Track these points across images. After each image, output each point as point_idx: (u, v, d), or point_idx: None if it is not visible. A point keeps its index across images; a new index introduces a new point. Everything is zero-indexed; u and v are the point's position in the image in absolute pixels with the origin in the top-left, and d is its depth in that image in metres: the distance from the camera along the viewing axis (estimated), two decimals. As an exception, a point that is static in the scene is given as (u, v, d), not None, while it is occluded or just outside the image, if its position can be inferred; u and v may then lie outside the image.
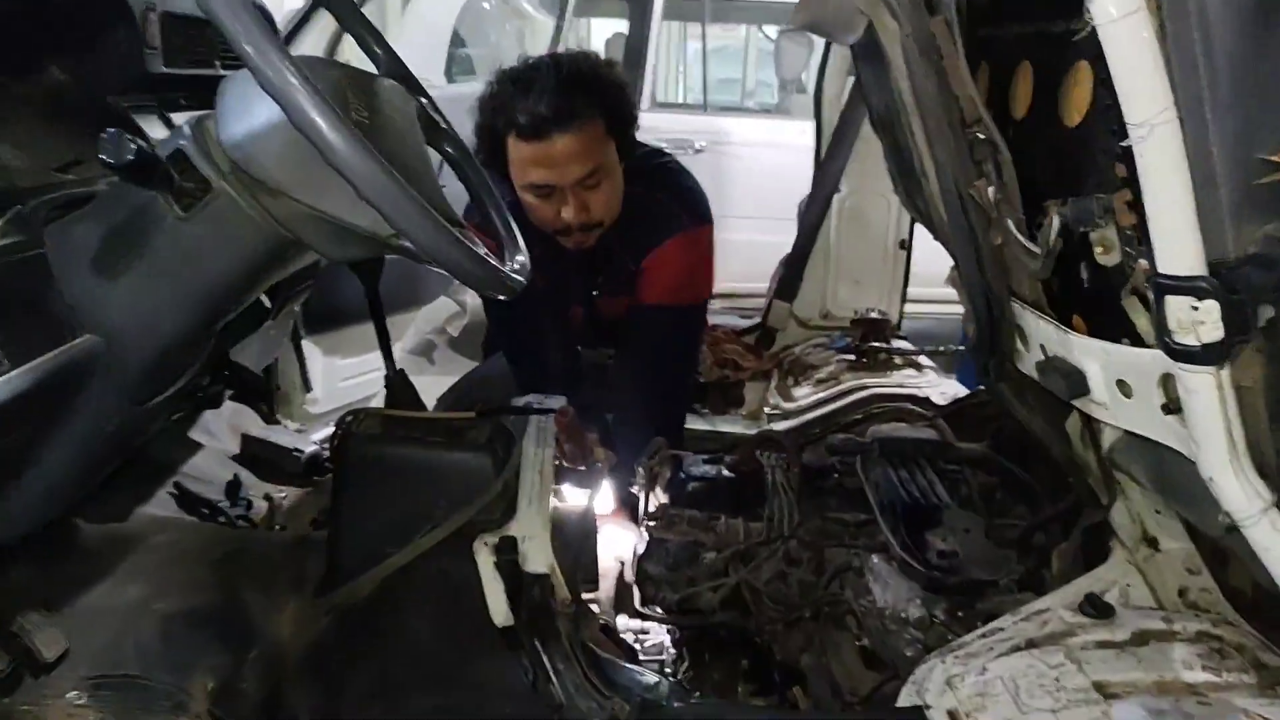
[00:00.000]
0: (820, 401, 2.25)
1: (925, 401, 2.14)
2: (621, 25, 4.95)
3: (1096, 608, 1.29)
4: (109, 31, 1.21)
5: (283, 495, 2.15)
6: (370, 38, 1.16)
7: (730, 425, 2.39)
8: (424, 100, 1.17)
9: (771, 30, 5.95)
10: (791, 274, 2.61)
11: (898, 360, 2.40)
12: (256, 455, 2.23)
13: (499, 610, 1.29)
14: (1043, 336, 0.96)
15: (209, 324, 0.94)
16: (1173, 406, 0.75)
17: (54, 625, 1.36)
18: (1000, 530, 1.62)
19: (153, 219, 0.86)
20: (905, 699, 1.25)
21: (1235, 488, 0.71)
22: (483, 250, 0.88)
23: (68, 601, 1.51)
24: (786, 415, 2.29)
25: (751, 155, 5.19)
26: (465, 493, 1.36)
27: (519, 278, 0.99)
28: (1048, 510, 1.61)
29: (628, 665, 1.28)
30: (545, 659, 1.23)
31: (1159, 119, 0.63)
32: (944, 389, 2.27)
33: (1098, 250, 0.83)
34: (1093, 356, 0.85)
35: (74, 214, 0.90)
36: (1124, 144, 0.64)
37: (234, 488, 2.05)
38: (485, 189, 1.13)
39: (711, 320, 2.60)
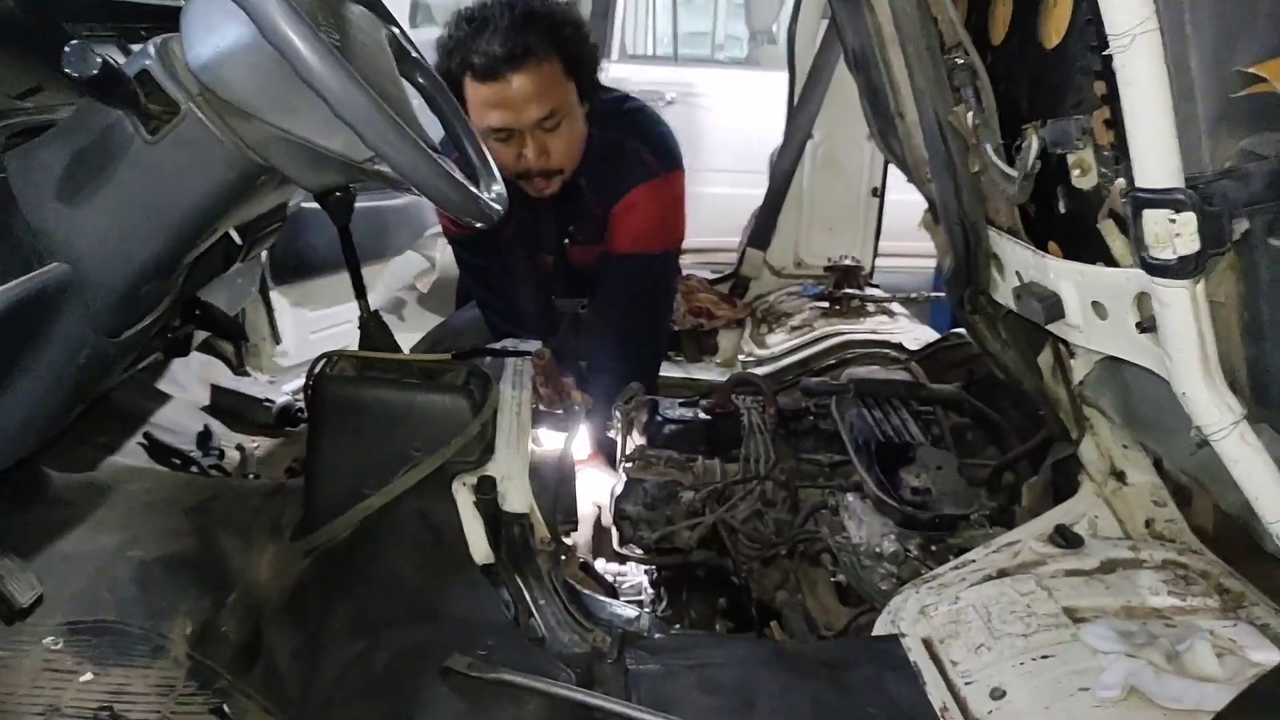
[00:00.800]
0: (794, 348, 2.26)
1: (898, 346, 2.16)
2: (589, -28, 4.85)
3: (1066, 538, 1.33)
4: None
5: (255, 445, 2.14)
6: (338, -36, 1.12)
7: (705, 372, 2.40)
8: (394, 29, 1.14)
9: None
10: (765, 222, 2.61)
11: (870, 307, 2.42)
12: (226, 406, 2.21)
13: (479, 548, 1.29)
14: (1019, 263, 0.96)
15: (180, 253, 0.92)
16: (1147, 325, 0.76)
17: (27, 572, 1.34)
18: (972, 469, 1.65)
19: (119, 143, 0.83)
20: (880, 628, 1.28)
21: (1207, 401, 0.73)
22: (460, 177, 0.87)
23: (40, 549, 1.49)
24: (760, 362, 2.30)
25: (722, 108, 5.15)
26: (442, 434, 1.36)
27: (496, 205, 0.97)
28: (1018, 448, 1.64)
29: (608, 600, 1.30)
30: (526, 594, 1.23)
31: (1140, 29, 0.63)
32: (916, 334, 2.29)
33: (1075, 173, 0.83)
34: (1069, 279, 0.86)
35: (37, 139, 0.87)
36: (1105, 54, 0.64)
37: (205, 438, 2.04)
38: (459, 118, 1.11)
39: (685, 273, 2.60)
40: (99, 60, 0.73)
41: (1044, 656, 1.10)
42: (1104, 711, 1.00)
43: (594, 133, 1.90)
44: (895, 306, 2.43)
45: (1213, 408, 0.73)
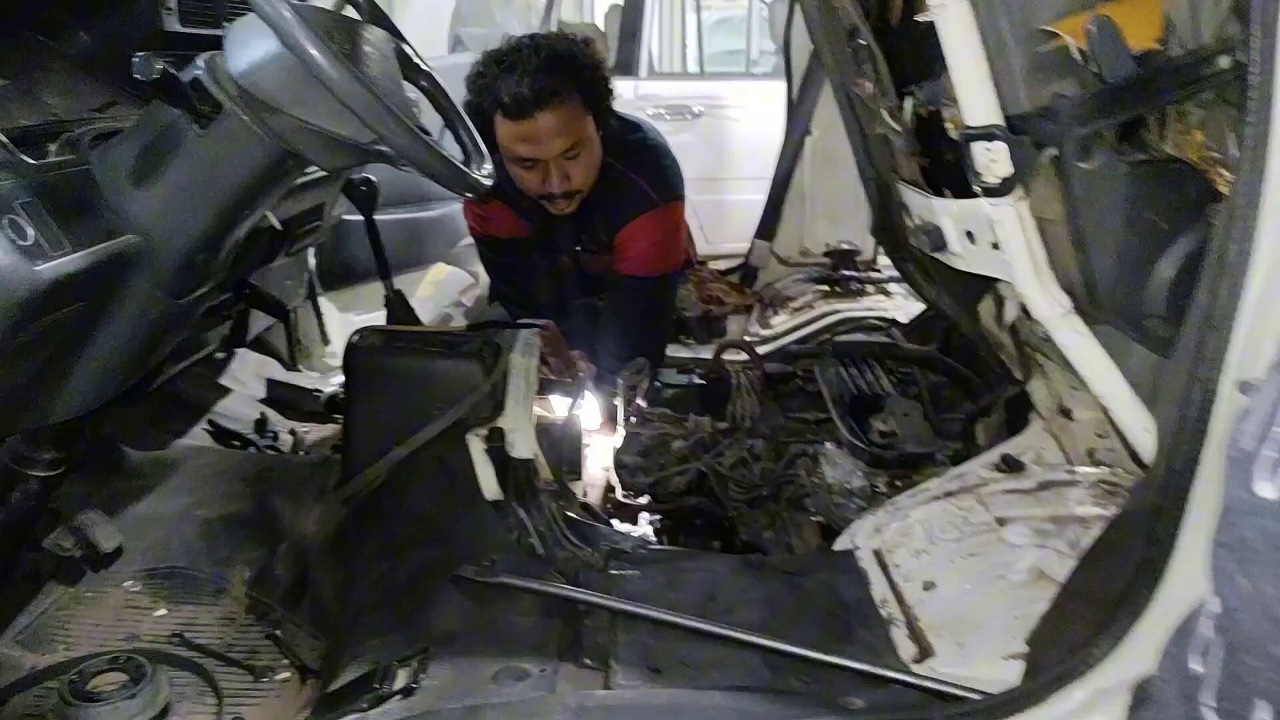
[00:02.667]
0: (795, 327, 2.43)
1: (890, 320, 2.32)
2: (619, -2, 5.08)
3: (1009, 464, 1.48)
4: (131, -4, 1.41)
5: (306, 430, 2.37)
6: (353, -9, 1.35)
7: (711, 352, 2.57)
8: (403, 45, 1.36)
9: (769, -1, 6.05)
10: (770, 214, 2.79)
11: (869, 288, 2.58)
12: (280, 397, 2.45)
13: (489, 487, 1.49)
14: (918, 207, 1.13)
15: (226, 227, 1.14)
16: (998, 244, 0.93)
17: (109, 525, 1.58)
18: (948, 422, 1.81)
19: (176, 136, 1.05)
20: (840, 545, 1.44)
21: (1041, 298, 0.89)
22: (448, 154, 1.07)
23: (119, 512, 1.73)
24: (765, 341, 2.47)
25: (748, 118, 5.31)
26: (458, 395, 1.56)
27: (484, 180, 1.18)
28: (985, 399, 1.79)
29: (601, 527, 1.48)
30: (528, 522, 1.42)
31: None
32: (910, 311, 2.44)
33: (949, 126, 1.01)
34: (946, 214, 1.03)
35: (112, 139, 1.10)
36: (924, 18, 0.81)
37: (262, 424, 2.28)
38: (455, 114, 1.32)
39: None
40: (160, 67, 0.95)
41: (971, 555, 1.26)
42: (1014, 591, 1.16)
43: (605, 160, 2.11)
44: (892, 286, 2.58)
45: (1045, 304, 0.89)
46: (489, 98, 1.95)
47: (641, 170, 2.15)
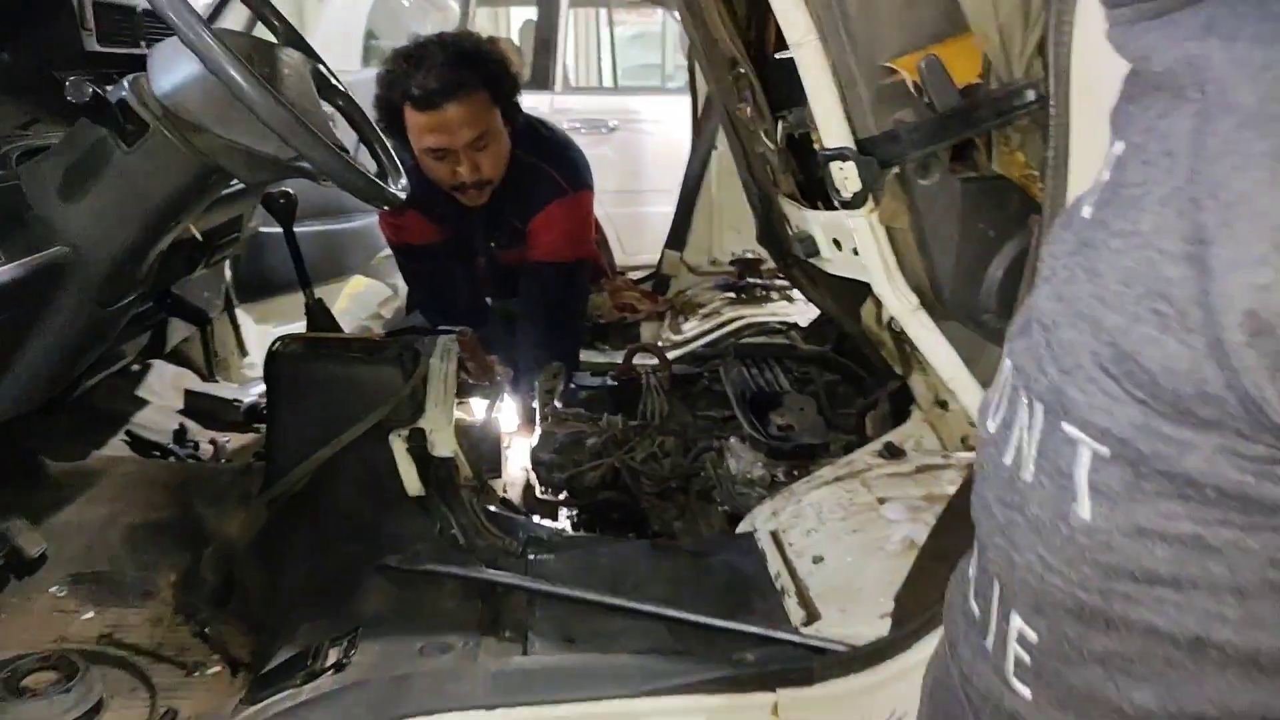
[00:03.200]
0: (703, 332, 2.57)
1: (792, 325, 2.47)
2: (532, 12, 5.18)
3: (891, 451, 1.62)
4: (50, 17, 1.45)
5: (226, 439, 2.40)
6: (271, 15, 1.42)
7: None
8: (319, 65, 1.44)
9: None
10: (679, 225, 2.92)
11: (774, 295, 2.73)
12: (199, 407, 2.47)
13: (412, 484, 1.57)
14: (795, 218, 1.27)
15: (153, 239, 1.20)
16: (857, 250, 1.07)
17: (34, 532, 1.61)
18: (842, 416, 1.95)
19: (103, 155, 1.12)
20: (741, 529, 1.57)
21: (893, 297, 1.03)
22: (364, 169, 1.16)
23: (42, 520, 1.75)
24: (675, 345, 2.59)
25: (663, 132, 5.46)
26: (379, 398, 1.63)
27: (398, 193, 1.27)
28: (875, 394, 1.95)
29: (519, 518, 1.58)
30: (450, 515, 1.51)
31: (805, 39, 0.94)
32: (811, 315, 2.59)
33: (817, 147, 1.14)
34: (817, 224, 1.16)
35: (39, 155, 1.16)
36: (783, 55, 0.94)
37: (181, 434, 2.30)
38: (370, 130, 1.41)
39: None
40: (91, 90, 1.02)
41: (855, 531, 1.40)
42: (889, 560, 1.29)
43: (515, 153, 2.21)
44: (795, 293, 2.74)
45: (896, 301, 1.03)
46: (398, 91, 2.04)
47: (550, 160, 2.27)
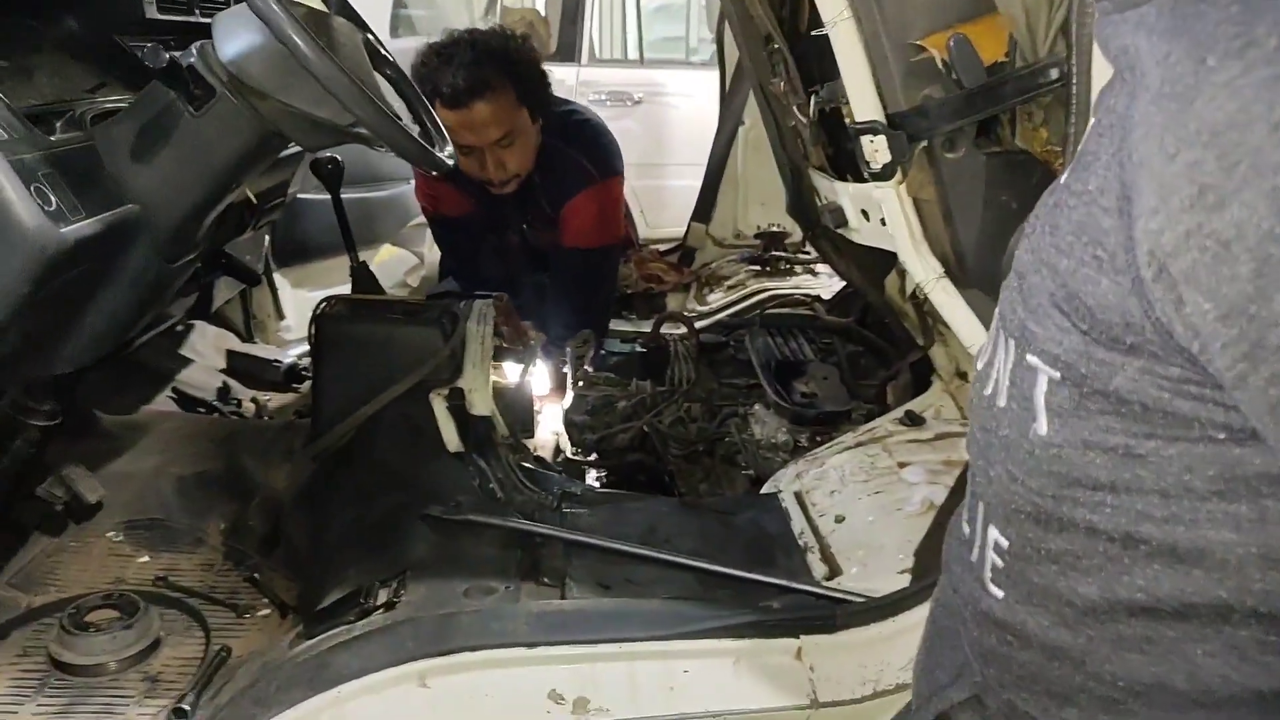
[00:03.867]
0: (728, 304, 2.62)
1: (815, 297, 2.52)
2: (560, -15, 5.18)
3: (912, 419, 1.68)
4: (114, -17, 1.52)
5: (267, 398, 2.49)
6: (325, -14, 1.48)
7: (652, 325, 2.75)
8: (369, 35, 1.50)
9: (703, -14, 6.22)
10: (705, 199, 2.97)
11: (797, 269, 2.78)
12: (241, 367, 2.56)
13: (451, 440, 1.64)
14: (825, 190, 1.32)
15: (216, 198, 1.27)
16: (885, 221, 1.12)
17: (91, 478, 1.70)
18: (862, 387, 2.01)
19: (172, 118, 1.19)
20: (765, 490, 1.63)
21: (918, 265, 1.08)
22: (417, 132, 1.22)
23: (97, 470, 1.84)
24: (700, 317, 2.64)
25: (687, 105, 5.47)
26: (420, 359, 1.70)
27: (446, 161, 1.33)
28: (896, 365, 2.00)
29: (553, 474, 1.65)
30: (488, 470, 1.58)
31: (840, 17, 0.99)
32: (835, 288, 2.64)
33: (848, 120, 1.19)
34: (845, 195, 1.21)
35: (112, 118, 1.23)
36: (819, 32, 0.99)
37: (225, 392, 2.39)
38: (418, 99, 1.47)
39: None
40: (167, 56, 1.09)
41: (876, 493, 1.46)
42: (909, 520, 1.36)
43: (546, 141, 2.26)
44: (819, 267, 2.79)
45: (921, 270, 1.08)
46: (429, 86, 2.09)
47: (582, 149, 2.32)
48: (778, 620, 1.14)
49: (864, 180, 1.15)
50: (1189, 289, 0.44)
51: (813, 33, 1.06)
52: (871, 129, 1.01)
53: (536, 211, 2.40)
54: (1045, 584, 0.58)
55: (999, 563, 0.61)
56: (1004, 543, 0.60)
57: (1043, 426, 0.54)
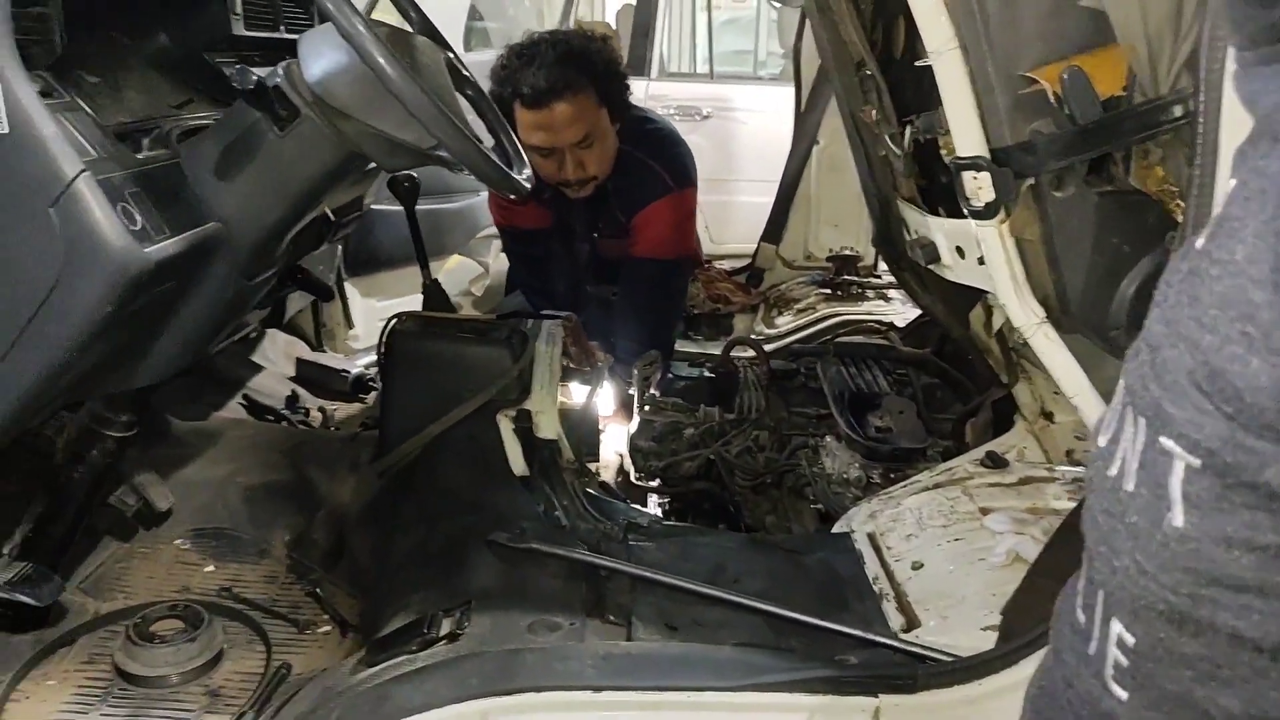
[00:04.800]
0: (799, 327, 2.56)
1: (888, 324, 2.45)
2: (632, -2, 5.19)
3: (994, 460, 1.61)
4: (203, 2, 1.53)
5: (334, 408, 2.50)
6: (407, 5, 1.48)
7: (719, 348, 2.70)
8: (450, 54, 1.49)
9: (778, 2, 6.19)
10: (776, 219, 2.92)
11: (869, 293, 2.71)
12: (309, 376, 2.58)
13: (517, 463, 1.62)
14: (916, 224, 1.26)
15: (297, 217, 1.27)
16: (983, 260, 1.06)
17: (162, 486, 1.71)
18: (939, 421, 1.94)
19: (257, 137, 1.19)
20: (837, 529, 1.57)
21: (1018, 309, 1.02)
22: (495, 153, 1.21)
23: (168, 476, 1.86)
24: (769, 340, 2.59)
25: (756, 121, 5.43)
26: (488, 378, 1.69)
27: (525, 184, 1.31)
28: (975, 401, 1.92)
29: (618, 503, 1.61)
30: (553, 496, 1.55)
31: (945, 47, 0.94)
32: (908, 316, 2.57)
33: (943, 152, 1.14)
34: (940, 231, 1.16)
35: (197, 135, 1.24)
36: (922, 63, 0.94)
37: (293, 400, 2.41)
38: (499, 122, 1.46)
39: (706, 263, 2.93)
40: (254, 77, 1.08)
41: (956, 539, 1.39)
42: (992, 572, 1.29)
43: (623, 148, 2.24)
44: (891, 292, 2.72)
45: (1022, 314, 1.02)
46: (509, 88, 2.09)
47: (658, 157, 2.29)
48: (855, 677, 1.09)
49: (960, 216, 1.09)
50: None
51: (916, 63, 1.01)
52: (974, 165, 0.96)
53: (609, 220, 2.37)
54: (1179, 691, 0.52)
55: (1124, 661, 0.55)
56: (1130, 640, 0.55)
57: (1178, 518, 0.50)
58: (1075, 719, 0.61)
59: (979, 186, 0.97)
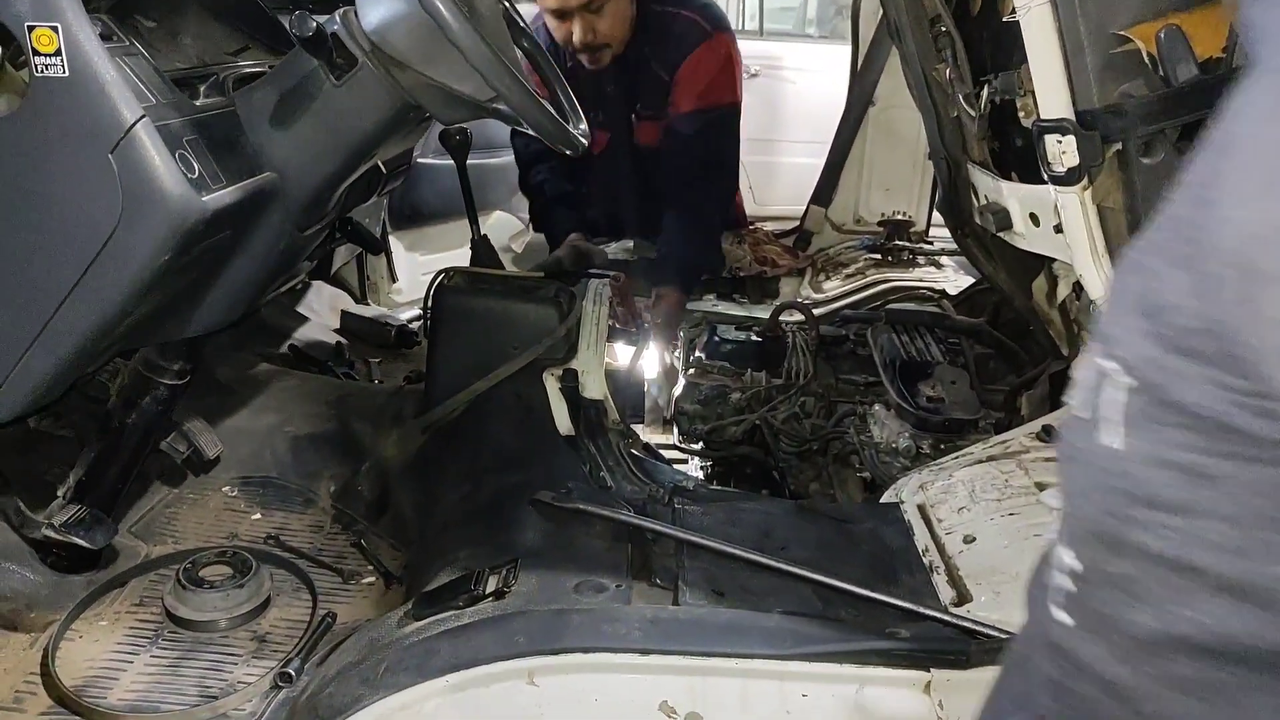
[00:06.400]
0: (846, 292, 2.51)
1: (940, 291, 2.39)
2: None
3: (1050, 434, 1.56)
4: (259, -53, 1.51)
5: (378, 360, 2.52)
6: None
7: (765, 312, 2.66)
8: (506, 3, 1.45)
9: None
10: (827, 181, 2.85)
11: (920, 259, 2.65)
12: (354, 328, 2.59)
13: (563, 423, 1.61)
14: (986, 188, 1.22)
15: (351, 169, 1.25)
16: (1060, 228, 1.02)
17: (211, 433, 1.73)
18: (991, 393, 1.90)
19: (314, 86, 1.17)
20: (886, 499, 1.55)
21: (1097, 280, 0.98)
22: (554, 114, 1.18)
23: (216, 424, 1.88)
24: (818, 304, 2.54)
25: (804, 81, 5.32)
26: (535, 336, 1.68)
27: (581, 139, 1.28)
28: (1031, 372, 1.88)
29: (664, 465, 1.60)
30: (598, 457, 1.55)
31: (1034, 2, 0.89)
32: (960, 283, 2.51)
33: (1021, 114, 1.09)
34: (1014, 197, 1.11)
35: (254, 83, 1.22)
36: (1010, 18, 0.89)
37: (338, 351, 2.42)
38: (553, 73, 1.42)
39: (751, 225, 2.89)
40: (313, 24, 1.06)
41: (1010, 514, 1.36)
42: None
43: (651, 8, 2.23)
44: (944, 259, 2.65)
45: (1100, 284, 0.98)
46: None
47: (686, 5, 2.29)
48: (907, 650, 1.07)
49: (1036, 181, 1.05)
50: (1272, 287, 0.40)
51: (1003, 19, 0.97)
52: (1059, 127, 0.92)
53: (649, 85, 2.35)
54: (1107, 612, 0.53)
55: (1070, 587, 0.56)
56: (1077, 566, 0.56)
57: (1118, 439, 0.51)
58: (1032, 647, 0.62)
59: (1062, 151, 0.92)
